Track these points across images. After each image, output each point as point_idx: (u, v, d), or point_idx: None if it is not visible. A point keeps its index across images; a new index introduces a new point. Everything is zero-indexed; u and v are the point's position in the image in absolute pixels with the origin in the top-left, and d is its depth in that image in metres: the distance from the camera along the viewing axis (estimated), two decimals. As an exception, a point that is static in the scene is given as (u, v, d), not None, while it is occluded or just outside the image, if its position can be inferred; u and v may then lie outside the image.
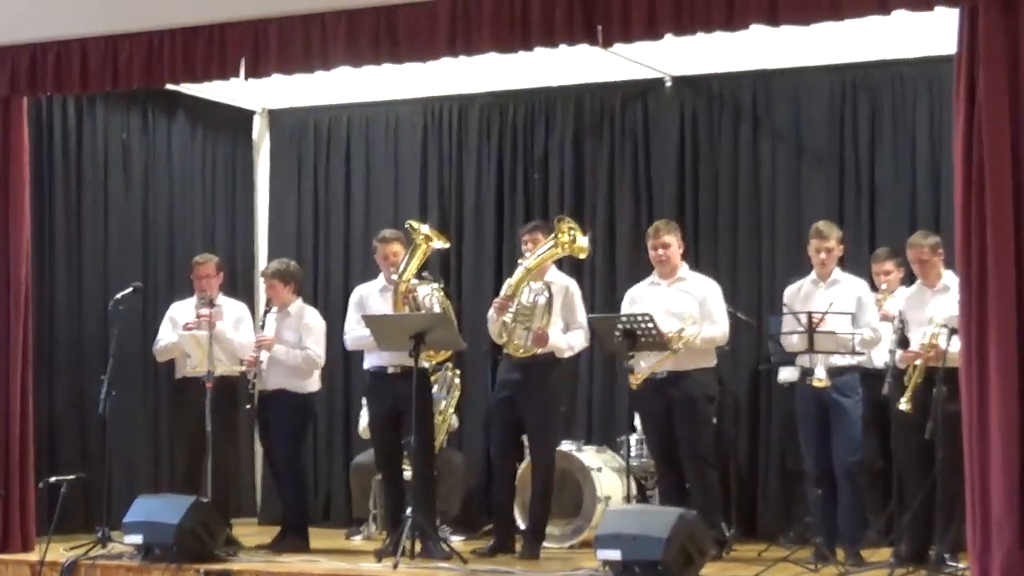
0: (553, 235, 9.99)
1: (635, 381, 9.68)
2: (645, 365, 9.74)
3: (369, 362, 10.43)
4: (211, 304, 10.53)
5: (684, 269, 10.07)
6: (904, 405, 8.86)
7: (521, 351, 9.98)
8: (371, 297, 10.46)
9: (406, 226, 10.37)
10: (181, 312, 10.93)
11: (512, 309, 10.00)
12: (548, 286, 10.04)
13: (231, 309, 10.88)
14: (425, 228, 10.23)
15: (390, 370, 10.20)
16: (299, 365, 10.63)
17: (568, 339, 10.09)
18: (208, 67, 9.65)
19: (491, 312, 10.14)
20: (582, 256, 10.17)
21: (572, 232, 9.92)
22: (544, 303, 9.99)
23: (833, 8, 8.08)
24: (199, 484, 10.31)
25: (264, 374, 10.63)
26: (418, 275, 10.22)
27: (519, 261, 10.20)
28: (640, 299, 10.01)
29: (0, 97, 10.19)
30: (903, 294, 9.71)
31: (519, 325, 9.99)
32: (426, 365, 10.17)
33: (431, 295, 10.22)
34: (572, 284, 10.27)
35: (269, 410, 10.69)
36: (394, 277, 10.21)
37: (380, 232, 10.65)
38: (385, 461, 10.39)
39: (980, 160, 7.82)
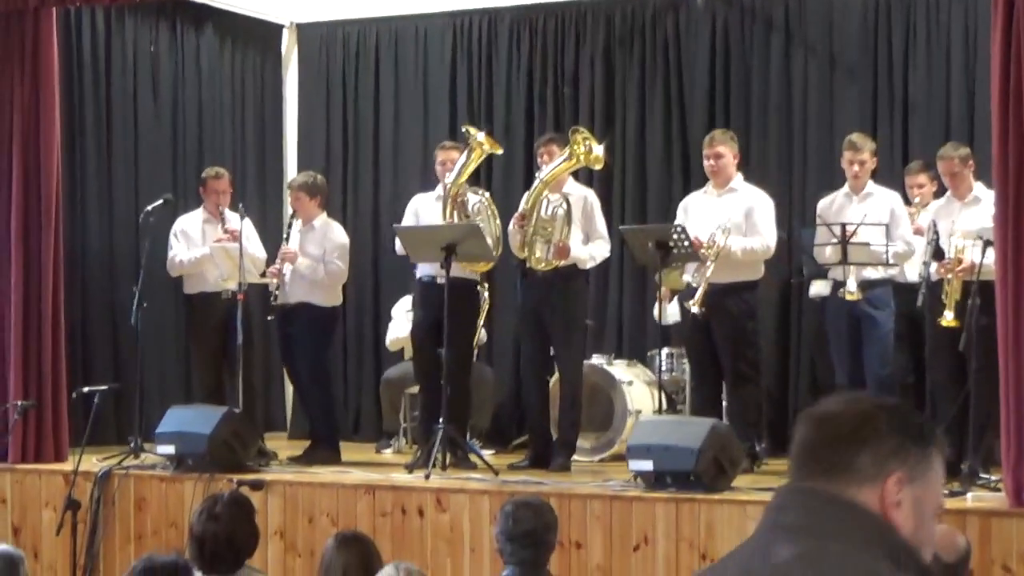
0: (568, 146, 9.91)
1: (696, 305, 9.43)
2: (688, 279, 9.65)
3: (421, 271, 10.40)
4: (242, 216, 10.50)
5: (738, 180, 9.85)
6: (949, 318, 8.78)
7: (543, 264, 9.91)
8: (426, 206, 10.46)
9: (463, 130, 10.40)
10: (190, 225, 10.84)
11: (532, 223, 9.95)
12: (566, 198, 9.96)
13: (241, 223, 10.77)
14: (481, 135, 10.18)
15: (439, 280, 10.06)
16: (322, 279, 10.52)
17: (590, 250, 10.02)
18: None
19: (511, 227, 10.09)
20: (598, 167, 10.11)
21: (587, 143, 9.83)
22: (563, 215, 9.91)
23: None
24: (223, 399, 10.35)
25: (286, 287, 10.52)
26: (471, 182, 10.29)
27: (536, 175, 10.15)
28: (692, 208, 9.90)
29: (30, 8, 10.14)
30: (934, 206, 9.66)
31: (539, 238, 9.92)
32: (476, 277, 10.20)
33: (480, 203, 10.21)
34: (591, 194, 10.21)
35: (291, 324, 10.55)
36: (447, 182, 10.20)
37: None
38: (423, 371, 10.33)
39: (1018, 71, 7.76)
